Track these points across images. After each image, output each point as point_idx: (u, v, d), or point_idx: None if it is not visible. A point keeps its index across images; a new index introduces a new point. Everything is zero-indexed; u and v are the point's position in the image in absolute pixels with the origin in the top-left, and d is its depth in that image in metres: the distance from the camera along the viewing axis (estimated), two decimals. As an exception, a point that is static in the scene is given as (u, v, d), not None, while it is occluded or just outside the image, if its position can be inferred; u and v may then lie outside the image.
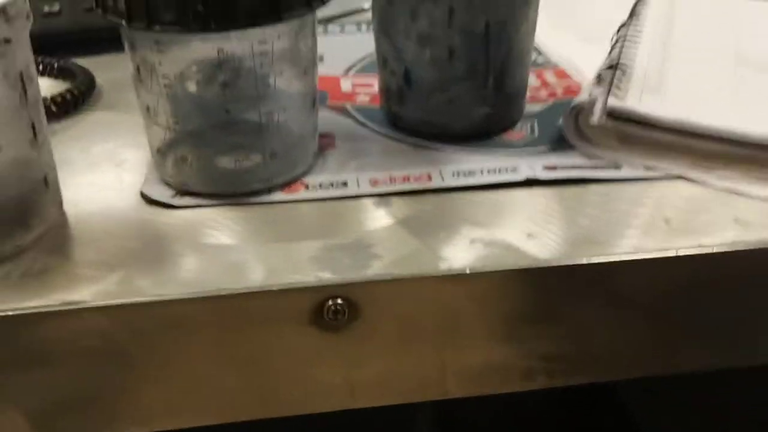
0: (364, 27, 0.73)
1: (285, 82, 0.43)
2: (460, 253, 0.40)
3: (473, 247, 0.41)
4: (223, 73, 0.41)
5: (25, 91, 0.38)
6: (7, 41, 0.36)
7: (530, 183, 0.46)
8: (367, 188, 0.46)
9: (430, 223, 0.43)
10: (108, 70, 0.63)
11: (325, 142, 0.50)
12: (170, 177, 0.46)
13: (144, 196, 0.46)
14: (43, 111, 0.41)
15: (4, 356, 0.38)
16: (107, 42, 0.57)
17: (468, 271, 0.39)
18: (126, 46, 0.43)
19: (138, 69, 0.42)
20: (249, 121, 0.43)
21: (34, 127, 0.40)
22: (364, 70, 0.63)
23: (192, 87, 0.42)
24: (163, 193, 0.45)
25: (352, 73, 0.62)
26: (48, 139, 0.41)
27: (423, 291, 0.39)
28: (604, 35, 0.59)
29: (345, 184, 0.46)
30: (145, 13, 0.38)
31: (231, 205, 0.45)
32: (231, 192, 0.45)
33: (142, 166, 0.49)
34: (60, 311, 0.37)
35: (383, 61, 0.51)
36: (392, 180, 0.46)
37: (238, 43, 0.40)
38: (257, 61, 0.40)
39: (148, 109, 0.44)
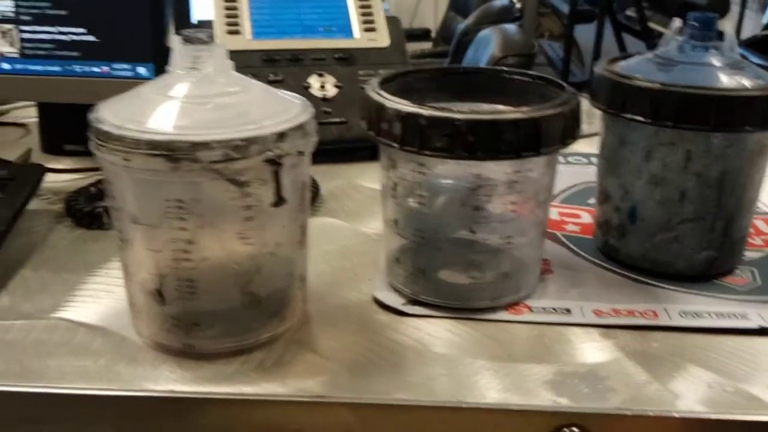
0: (561, 158, 0.75)
1: (529, 210, 0.45)
2: (699, 396, 0.40)
3: (711, 392, 0.40)
4: (478, 196, 0.44)
5: (302, 198, 0.43)
6: (301, 153, 0.41)
7: (762, 332, 0.45)
8: (591, 318, 0.47)
9: (661, 361, 0.43)
10: (328, 179, 0.68)
11: (543, 267, 0.52)
12: (402, 285, 0.49)
13: (377, 301, 0.49)
14: (308, 216, 0.45)
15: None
16: (324, 153, 0.62)
17: (713, 417, 0.38)
18: (384, 164, 0.47)
19: (395, 186, 0.46)
20: (489, 243, 0.46)
21: (303, 230, 0.44)
22: (568, 200, 0.65)
23: (445, 206, 0.45)
24: (395, 301, 0.48)
25: (556, 202, 0.64)
26: (308, 241, 0.46)
27: (663, 431, 0.39)
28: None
29: (568, 311, 0.47)
30: (418, 140, 0.42)
31: (458, 319, 0.47)
32: (459, 306, 0.47)
33: (370, 270, 0.53)
34: (308, 402, 0.40)
35: (605, 197, 0.53)
36: (617, 312, 0.47)
37: (495, 171, 0.43)
38: (510, 188, 0.43)
39: (396, 222, 0.47)
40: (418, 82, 0.50)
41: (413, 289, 0.48)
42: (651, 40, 2.89)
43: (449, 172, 0.45)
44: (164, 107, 0.39)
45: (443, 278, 0.48)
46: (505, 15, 2.71)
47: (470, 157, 0.41)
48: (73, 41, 0.64)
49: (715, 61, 0.48)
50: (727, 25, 0.49)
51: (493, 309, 0.47)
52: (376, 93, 0.44)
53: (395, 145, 0.43)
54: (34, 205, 0.60)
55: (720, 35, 0.49)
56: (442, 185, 0.45)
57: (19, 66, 0.66)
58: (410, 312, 0.47)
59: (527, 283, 0.49)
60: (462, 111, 0.42)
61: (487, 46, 2.00)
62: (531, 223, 0.47)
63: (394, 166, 0.46)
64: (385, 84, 0.47)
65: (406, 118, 0.42)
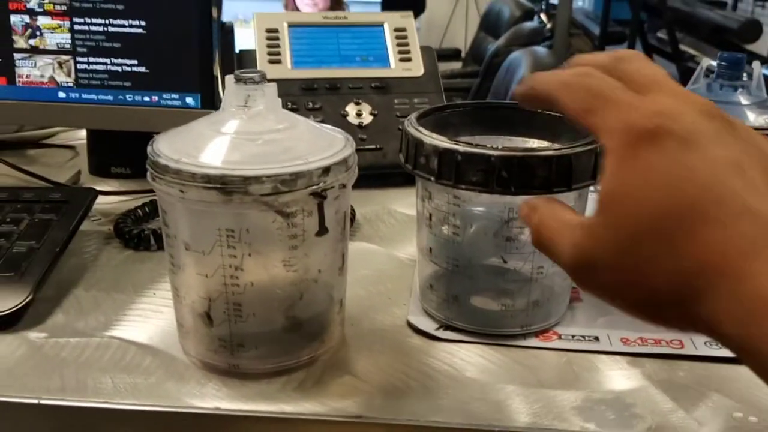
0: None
1: None
2: (723, 425, 0.41)
3: (736, 421, 0.42)
4: (510, 228, 0.46)
5: (343, 228, 0.46)
6: (343, 186, 0.43)
7: (786, 363, 0.46)
8: (619, 346, 0.48)
9: (687, 390, 0.44)
10: (363, 204, 0.71)
11: (572, 295, 0.54)
12: (435, 311, 0.51)
13: (411, 326, 0.51)
14: (348, 244, 0.47)
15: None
16: (359, 179, 0.65)
17: (736, 446, 0.40)
18: (420, 194, 0.49)
19: (430, 216, 0.48)
20: (520, 271, 0.48)
21: (343, 257, 0.46)
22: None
23: (478, 236, 0.47)
24: (428, 326, 0.50)
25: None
26: (347, 268, 0.48)
27: (687, 458, 0.40)
28: None
29: (596, 338, 0.49)
30: (454, 174, 0.44)
31: (489, 345, 0.49)
32: (490, 332, 0.49)
33: (404, 295, 0.55)
34: (346, 422, 0.42)
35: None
36: (644, 341, 0.49)
37: (527, 204, 0.45)
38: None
39: (430, 249, 0.50)
40: (454, 117, 0.52)
41: (446, 314, 0.50)
42: (682, 62, 2.90)
43: (483, 204, 0.47)
44: (217, 142, 0.42)
45: (475, 305, 0.50)
46: (535, 36, 2.73)
47: (504, 191, 0.43)
48: (125, 72, 0.68)
49: (743, 100, 0.50)
50: (755, 65, 0.51)
51: (523, 336, 0.49)
52: (414, 129, 0.47)
53: (431, 178, 0.45)
54: (84, 226, 0.63)
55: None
56: (476, 216, 0.48)
57: (74, 95, 0.69)
58: (443, 337, 0.49)
59: (557, 311, 0.50)
60: (496, 147, 0.44)
61: (518, 69, 2.03)
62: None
63: (430, 197, 0.48)
64: (422, 119, 0.49)
65: (443, 153, 0.44)
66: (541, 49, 2.24)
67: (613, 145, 0.32)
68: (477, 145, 0.44)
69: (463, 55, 3.44)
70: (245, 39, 0.85)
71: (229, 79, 0.43)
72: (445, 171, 0.45)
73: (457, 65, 3.28)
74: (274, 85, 0.43)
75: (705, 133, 0.31)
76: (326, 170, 0.41)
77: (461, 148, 0.44)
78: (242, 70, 0.42)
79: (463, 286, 0.50)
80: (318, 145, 0.43)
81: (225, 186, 0.39)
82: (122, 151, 0.76)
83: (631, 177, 0.31)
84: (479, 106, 0.55)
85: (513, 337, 0.49)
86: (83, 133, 0.82)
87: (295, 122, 0.44)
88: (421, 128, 0.47)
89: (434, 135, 0.45)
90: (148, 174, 0.42)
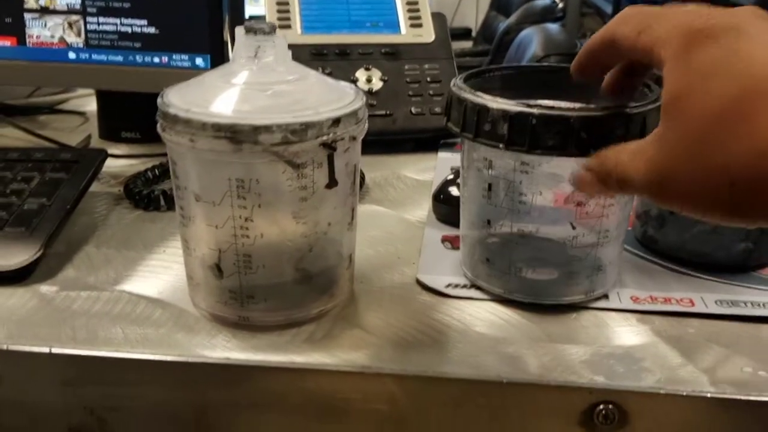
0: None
1: (620, 208, 0.47)
2: (732, 379, 0.41)
3: (745, 375, 0.42)
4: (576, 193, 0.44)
5: (353, 182, 0.45)
6: (353, 139, 0.43)
7: (797, 322, 0.46)
8: (628, 304, 0.48)
9: (697, 346, 0.44)
10: (372, 169, 0.71)
11: (582, 255, 0.54)
12: (490, 283, 0.49)
13: (420, 283, 0.51)
14: (357, 200, 0.47)
15: (299, 403, 0.43)
16: (369, 144, 0.64)
17: (744, 398, 0.39)
18: (473, 165, 0.48)
19: (489, 186, 0.47)
20: (587, 237, 0.47)
21: (353, 212, 0.46)
22: (607, 193, 0.66)
23: (546, 202, 0.46)
24: (437, 283, 0.50)
25: (596, 194, 0.66)
26: (356, 223, 0.48)
27: (694, 411, 0.40)
28: None
29: (606, 296, 0.49)
30: (528, 139, 0.42)
31: (499, 301, 0.49)
32: (552, 302, 0.48)
33: (413, 255, 0.55)
34: (355, 372, 0.42)
35: (645, 188, 0.54)
36: (654, 299, 0.48)
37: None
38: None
39: (488, 222, 0.49)
40: (488, 82, 0.50)
41: (505, 287, 0.49)
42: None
43: (552, 168, 0.45)
44: (227, 93, 0.42)
45: (538, 275, 0.49)
46: (547, 15, 2.70)
47: (582, 153, 0.41)
48: (135, 33, 0.68)
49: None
50: None
51: (585, 304, 0.48)
52: (473, 95, 0.44)
53: (500, 145, 0.43)
54: (94, 187, 0.63)
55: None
56: (544, 181, 0.45)
57: (84, 55, 0.69)
58: (453, 294, 0.49)
59: (614, 276, 0.50)
60: (572, 108, 0.42)
61: (529, 45, 2.00)
62: (623, 219, 0.48)
63: (490, 165, 0.46)
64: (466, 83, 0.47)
65: (514, 117, 0.42)
66: (552, 26, 2.21)
67: (669, 53, 0.33)
68: (552, 107, 0.42)
69: (473, 34, 3.41)
70: (256, 5, 0.85)
71: (239, 30, 0.43)
72: (517, 136, 0.42)
73: (467, 44, 3.24)
74: (283, 35, 0.43)
75: (758, 26, 0.32)
76: (336, 121, 0.41)
77: (536, 111, 0.41)
78: (252, 21, 0.42)
79: (526, 255, 0.48)
80: (328, 97, 0.43)
81: (235, 135, 0.39)
82: (132, 116, 0.76)
83: (690, 75, 0.32)
84: (518, 69, 0.53)
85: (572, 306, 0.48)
86: (94, 99, 0.82)
87: (305, 74, 0.44)
88: (481, 93, 0.44)
89: (499, 99, 0.43)
90: (158, 125, 0.42)
